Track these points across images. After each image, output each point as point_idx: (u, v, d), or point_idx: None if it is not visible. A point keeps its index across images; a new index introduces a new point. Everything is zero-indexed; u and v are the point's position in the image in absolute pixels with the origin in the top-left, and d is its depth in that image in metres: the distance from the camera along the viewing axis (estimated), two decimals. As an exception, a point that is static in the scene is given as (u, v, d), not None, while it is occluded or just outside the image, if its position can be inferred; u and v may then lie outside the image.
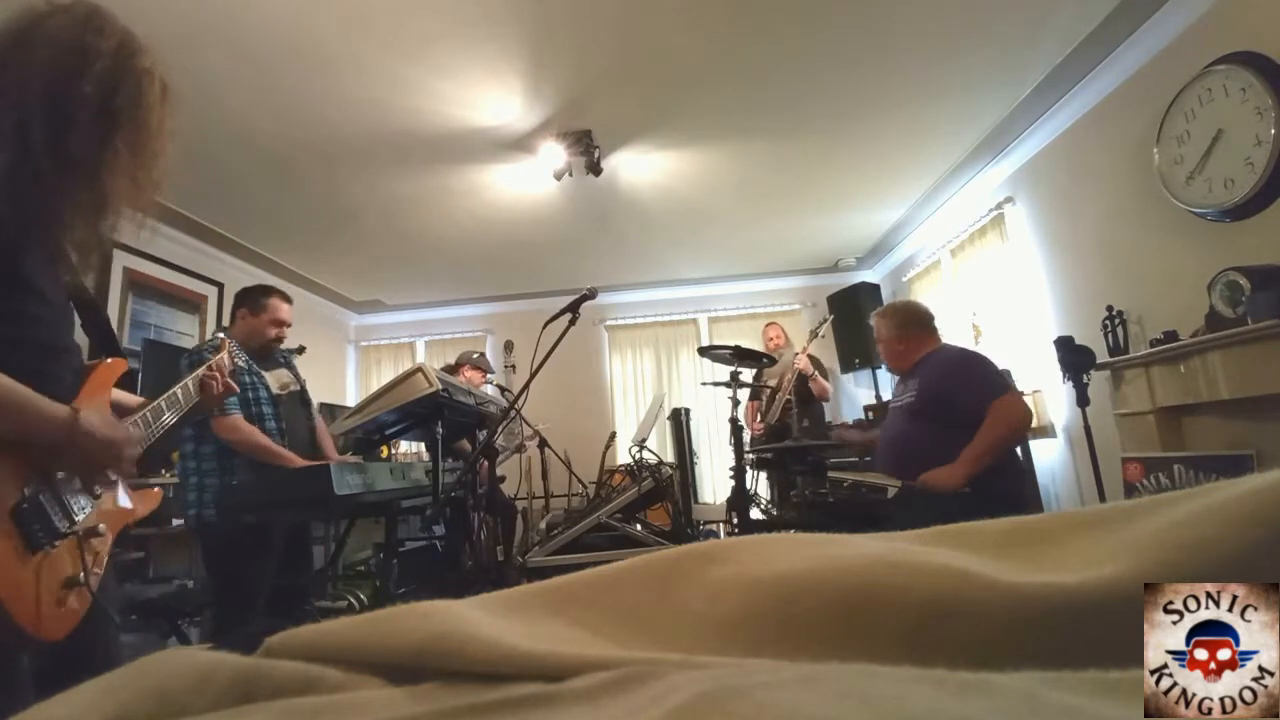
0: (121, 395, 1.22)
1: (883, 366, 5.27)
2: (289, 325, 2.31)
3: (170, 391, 1.25)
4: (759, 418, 4.36)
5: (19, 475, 0.86)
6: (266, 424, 2.13)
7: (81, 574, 0.93)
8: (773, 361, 3.84)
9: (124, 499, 1.09)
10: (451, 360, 4.15)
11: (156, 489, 1.26)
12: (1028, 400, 3.58)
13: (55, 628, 0.89)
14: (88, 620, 0.96)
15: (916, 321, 2.44)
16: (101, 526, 0.98)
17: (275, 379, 2.24)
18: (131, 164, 0.95)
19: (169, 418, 1.22)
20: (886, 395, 5.18)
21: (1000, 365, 2.44)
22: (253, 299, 2.25)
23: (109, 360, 1.11)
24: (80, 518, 0.95)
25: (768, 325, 4.77)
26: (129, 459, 0.98)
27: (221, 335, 2.19)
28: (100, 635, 1.02)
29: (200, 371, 1.36)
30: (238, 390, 1.57)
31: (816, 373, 4.22)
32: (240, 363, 2.13)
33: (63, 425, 0.88)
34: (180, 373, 2.02)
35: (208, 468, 2.07)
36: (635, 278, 5.83)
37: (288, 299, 2.33)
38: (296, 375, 2.37)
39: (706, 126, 3.32)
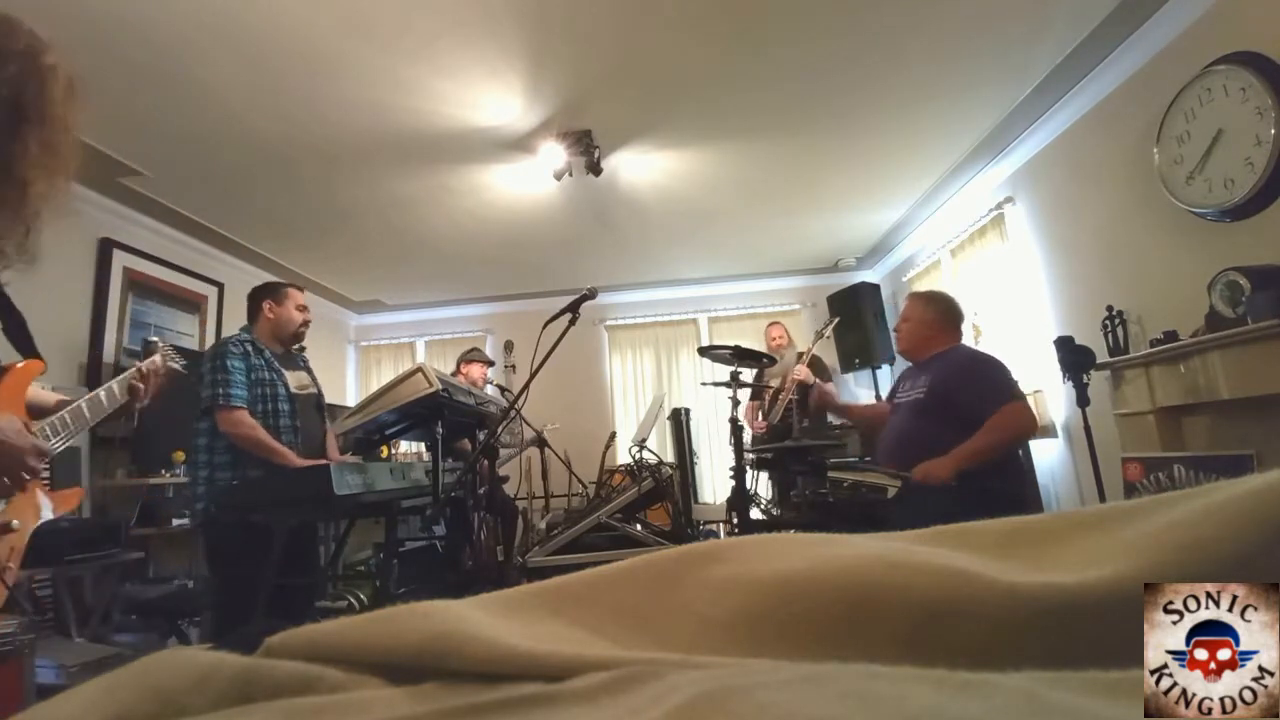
0: (39, 394, 1.23)
1: (883, 366, 5.28)
2: (309, 310, 2.39)
3: (94, 393, 1.24)
4: (760, 417, 4.35)
5: None
6: (282, 421, 2.14)
7: None
8: (773, 361, 3.84)
9: (41, 498, 1.12)
10: (452, 364, 4.16)
11: (78, 489, 1.30)
12: (1028, 401, 3.58)
13: None
14: None
15: (953, 315, 2.43)
16: (15, 522, 1.03)
17: (295, 379, 2.27)
18: (42, 158, 0.97)
19: (91, 419, 1.22)
20: (886, 394, 5.16)
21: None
22: (272, 291, 2.31)
23: (22, 363, 1.13)
24: None
25: (770, 325, 4.74)
26: (34, 469, 1.00)
27: (245, 332, 2.25)
28: None
29: (128, 375, 1.33)
30: (155, 394, 1.47)
31: (817, 380, 4.20)
32: (258, 360, 2.18)
33: None
34: (201, 370, 2.08)
35: (221, 461, 2.08)
36: (635, 278, 5.83)
37: (301, 288, 2.42)
38: (314, 379, 2.41)
39: (706, 126, 3.32)
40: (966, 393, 2.17)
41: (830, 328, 4.21)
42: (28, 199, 0.96)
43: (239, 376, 2.09)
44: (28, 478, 0.99)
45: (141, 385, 1.33)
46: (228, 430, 2.05)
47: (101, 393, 1.25)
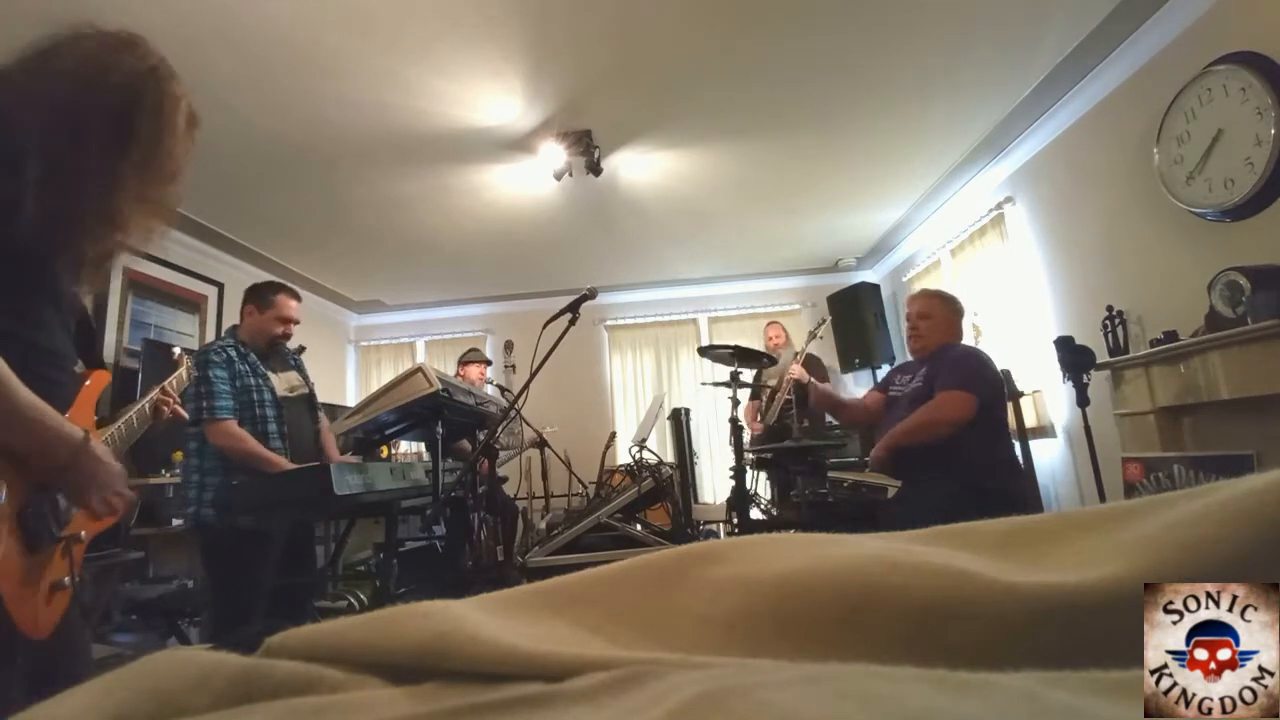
0: None
1: (883, 366, 5.27)
2: (296, 322, 2.30)
3: (129, 414, 1.22)
4: (759, 417, 4.35)
5: (24, 481, 0.88)
6: (269, 426, 2.12)
7: (67, 577, 0.96)
8: (773, 361, 3.84)
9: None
10: (453, 364, 4.16)
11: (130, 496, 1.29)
12: (1027, 401, 3.58)
13: (44, 626, 0.92)
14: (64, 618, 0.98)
15: (961, 313, 2.48)
16: (83, 533, 1.01)
17: (283, 380, 2.25)
18: (144, 183, 0.96)
19: (131, 438, 1.21)
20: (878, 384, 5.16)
21: (1001, 366, 2.45)
22: (260, 295, 2.24)
23: (95, 373, 1.14)
24: (68, 523, 0.98)
25: (769, 324, 4.76)
26: (122, 493, 0.98)
27: (229, 336, 2.21)
28: (73, 631, 1.05)
29: (154, 394, 1.29)
30: (188, 418, 1.46)
31: (813, 380, 4.20)
32: (243, 365, 2.14)
33: (73, 448, 0.89)
34: (193, 380, 2.02)
35: (210, 466, 2.07)
36: (635, 278, 5.83)
37: (296, 296, 2.32)
38: (305, 378, 2.37)
39: (706, 126, 3.32)
40: (949, 381, 2.20)
41: (823, 327, 4.21)
42: (119, 225, 0.96)
43: (222, 387, 2.06)
44: (111, 503, 0.97)
45: (165, 407, 1.30)
46: (218, 443, 2.03)
47: (134, 416, 1.23)
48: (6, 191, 0.83)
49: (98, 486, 0.93)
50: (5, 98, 0.87)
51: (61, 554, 0.96)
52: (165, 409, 1.30)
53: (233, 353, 2.14)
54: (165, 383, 1.34)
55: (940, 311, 2.45)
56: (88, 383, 1.09)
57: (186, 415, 1.39)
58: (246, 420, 2.09)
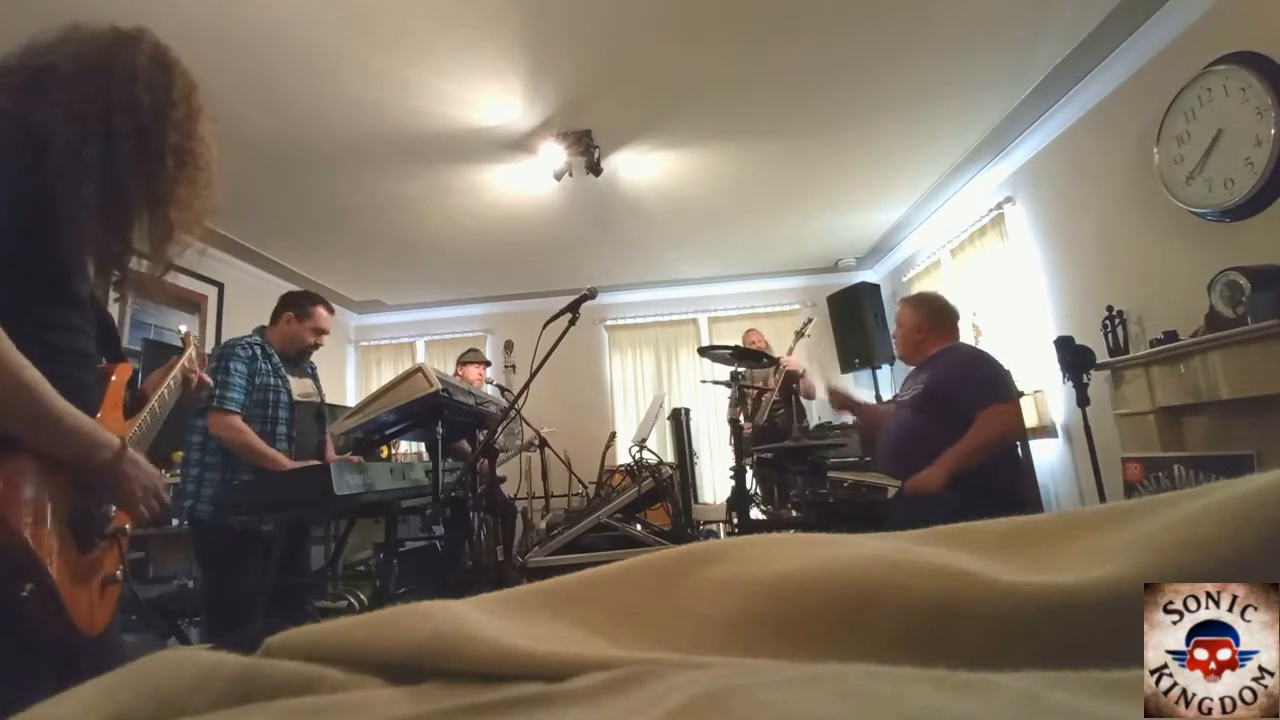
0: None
1: (883, 366, 5.28)
2: (327, 333, 2.39)
3: (159, 394, 1.21)
4: (743, 418, 4.35)
5: (70, 483, 0.90)
6: (279, 427, 2.16)
7: (119, 571, 0.98)
8: (773, 361, 3.84)
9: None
10: (452, 365, 4.17)
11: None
12: (1027, 401, 3.58)
13: (99, 623, 0.94)
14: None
15: (942, 315, 2.45)
16: (128, 526, 1.03)
17: (299, 385, 2.30)
18: (191, 193, 1.04)
19: (162, 417, 1.21)
20: (886, 395, 5.17)
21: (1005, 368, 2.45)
22: (299, 304, 2.32)
23: (119, 366, 1.14)
24: (114, 519, 1.00)
25: (747, 331, 4.72)
26: (162, 500, 1.01)
27: (257, 335, 2.27)
28: (117, 628, 1.06)
29: (178, 371, 1.29)
30: (211, 384, 1.50)
31: (805, 372, 4.19)
32: (265, 364, 2.19)
33: (111, 455, 0.92)
34: (211, 370, 2.06)
35: (212, 462, 2.08)
36: (635, 278, 5.83)
37: (331, 309, 2.41)
38: (319, 388, 2.43)
39: (706, 126, 3.32)
40: (959, 389, 2.19)
41: (809, 326, 4.22)
42: (175, 233, 1.02)
43: (239, 380, 2.10)
44: (150, 508, 0.99)
45: (193, 378, 1.32)
46: (217, 433, 2.05)
47: (165, 392, 1.22)
48: (25, 202, 0.85)
49: (140, 489, 0.96)
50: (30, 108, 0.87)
51: (110, 548, 0.97)
52: (194, 377, 1.30)
53: (258, 350, 2.19)
54: (183, 359, 1.33)
55: (909, 318, 2.45)
56: (114, 377, 1.09)
57: (210, 382, 1.39)
58: (258, 418, 2.12)
